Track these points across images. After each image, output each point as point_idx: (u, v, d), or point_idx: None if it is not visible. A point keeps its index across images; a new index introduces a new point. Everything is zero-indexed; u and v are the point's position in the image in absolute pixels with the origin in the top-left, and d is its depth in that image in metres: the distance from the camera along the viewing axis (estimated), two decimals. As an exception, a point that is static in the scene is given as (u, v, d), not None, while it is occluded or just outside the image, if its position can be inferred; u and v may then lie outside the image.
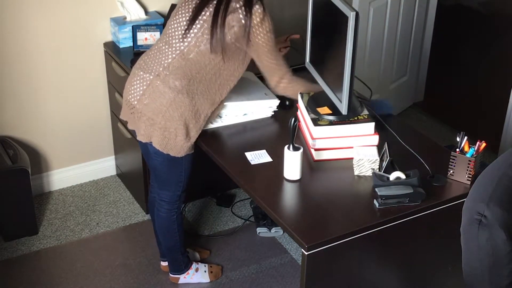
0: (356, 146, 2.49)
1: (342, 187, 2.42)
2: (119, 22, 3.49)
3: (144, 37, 3.42)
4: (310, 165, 2.53)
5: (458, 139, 2.41)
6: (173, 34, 2.65)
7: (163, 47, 2.66)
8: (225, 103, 2.74)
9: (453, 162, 2.39)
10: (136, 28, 3.40)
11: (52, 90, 3.58)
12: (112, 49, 3.51)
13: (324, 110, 2.59)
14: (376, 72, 4.23)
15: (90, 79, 3.65)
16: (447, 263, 2.49)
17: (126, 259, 3.29)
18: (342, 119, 2.54)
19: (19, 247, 3.35)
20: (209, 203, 3.72)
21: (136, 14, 3.53)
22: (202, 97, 2.62)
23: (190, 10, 2.61)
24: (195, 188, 3.35)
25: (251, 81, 2.97)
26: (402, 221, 2.26)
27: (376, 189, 2.28)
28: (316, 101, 2.66)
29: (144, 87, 2.65)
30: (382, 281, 2.41)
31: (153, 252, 3.30)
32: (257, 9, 2.54)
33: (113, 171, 3.93)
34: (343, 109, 2.49)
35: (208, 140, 2.69)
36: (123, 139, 3.57)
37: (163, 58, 2.64)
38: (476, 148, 2.39)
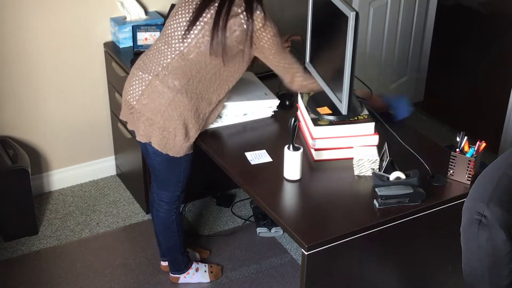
0: (356, 146, 2.49)
1: (342, 187, 2.42)
2: (119, 22, 3.49)
3: (144, 37, 3.41)
4: (310, 165, 2.53)
5: (458, 139, 2.41)
6: (172, 34, 2.64)
7: (162, 47, 2.66)
8: (225, 103, 2.74)
9: (453, 162, 2.39)
10: (136, 28, 3.40)
11: (52, 90, 3.58)
12: (112, 49, 3.50)
13: (324, 110, 2.59)
14: (376, 72, 4.23)
15: (90, 79, 3.65)
16: (447, 263, 2.49)
17: (126, 259, 3.29)
18: (342, 119, 2.54)
19: (19, 247, 3.35)
20: (209, 203, 3.71)
21: (136, 14, 3.52)
22: (200, 96, 2.62)
23: (191, 11, 2.61)
24: (195, 188, 3.35)
25: (251, 81, 2.97)
26: (402, 221, 2.26)
27: (376, 189, 2.28)
28: (316, 101, 2.66)
29: (143, 87, 2.65)
30: (382, 281, 2.41)
31: (153, 252, 3.29)
32: (258, 14, 2.53)
33: (113, 171, 3.93)
34: (343, 109, 2.49)
35: (208, 140, 2.69)
36: (123, 139, 3.56)
37: (162, 58, 2.64)
38: (476, 148, 2.39)
